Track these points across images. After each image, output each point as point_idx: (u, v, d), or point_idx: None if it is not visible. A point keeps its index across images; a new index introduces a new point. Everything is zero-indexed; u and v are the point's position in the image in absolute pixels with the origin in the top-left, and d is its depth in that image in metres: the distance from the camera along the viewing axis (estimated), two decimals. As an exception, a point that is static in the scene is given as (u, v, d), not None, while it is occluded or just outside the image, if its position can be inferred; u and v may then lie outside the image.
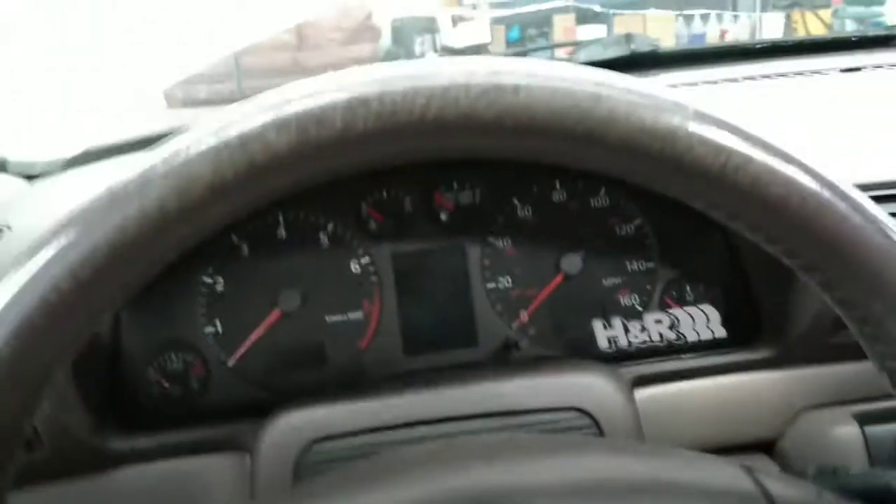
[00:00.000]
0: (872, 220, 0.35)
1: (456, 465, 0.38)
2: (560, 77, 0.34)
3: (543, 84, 0.34)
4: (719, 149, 0.34)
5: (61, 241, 0.32)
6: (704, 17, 5.95)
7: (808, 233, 0.35)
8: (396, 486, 0.36)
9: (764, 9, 6.17)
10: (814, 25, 5.41)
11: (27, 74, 1.17)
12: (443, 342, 0.84)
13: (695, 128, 0.34)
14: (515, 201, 0.85)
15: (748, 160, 0.34)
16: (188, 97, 4.67)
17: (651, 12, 5.55)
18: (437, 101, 0.33)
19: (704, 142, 0.34)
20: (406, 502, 0.35)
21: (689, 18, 5.88)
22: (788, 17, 5.66)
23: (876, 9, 4.88)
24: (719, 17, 6.05)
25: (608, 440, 0.68)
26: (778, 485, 0.36)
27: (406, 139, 0.34)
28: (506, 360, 0.83)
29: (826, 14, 5.51)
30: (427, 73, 0.33)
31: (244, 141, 0.32)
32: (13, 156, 1.02)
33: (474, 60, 0.35)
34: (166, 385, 0.80)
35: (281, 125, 0.32)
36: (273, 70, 5.22)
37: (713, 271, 0.84)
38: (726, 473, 0.37)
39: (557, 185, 0.86)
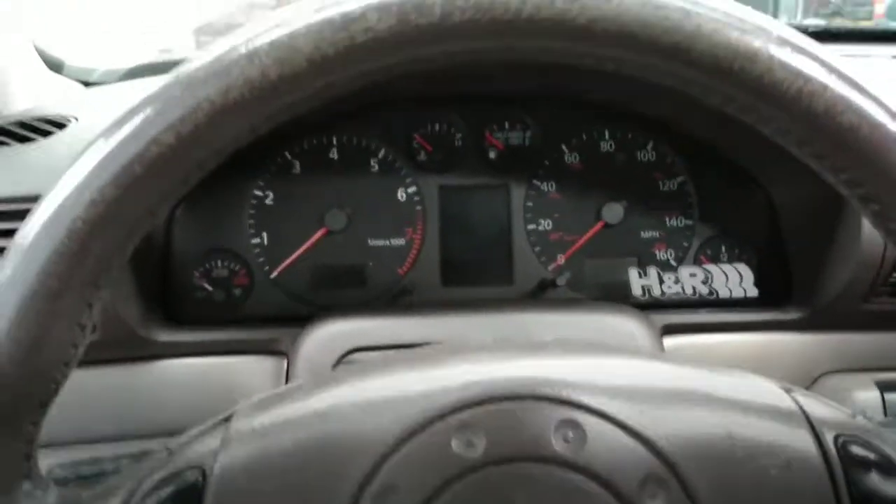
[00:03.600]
0: None
1: (501, 355, 0.39)
2: None
3: None
4: (797, 74, 0.35)
5: (165, 99, 0.34)
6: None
7: (873, 162, 0.36)
8: (439, 367, 0.37)
9: (805, 17, 6.12)
10: (854, 36, 5.38)
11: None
12: (480, 277, 0.86)
13: (776, 51, 0.35)
14: (564, 147, 0.87)
15: (824, 87, 0.35)
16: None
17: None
18: (533, 1, 0.34)
19: (784, 66, 0.35)
20: (448, 381, 0.35)
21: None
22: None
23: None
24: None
25: (656, 351, 0.70)
26: (814, 404, 0.38)
27: (497, 35, 0.35)
28: (541, 299, 0.85)
29: (867, 25, 5.48)
30: None
31: (346, 21, 0.34)
32: (70, 60, 1.05)
33: None
34: (210, 289, 0.82)
35: (382, 8, 0.34)
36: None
37: (751, 232, 0.86)
38: (766, 390, 0.39)
39: (606, 135, 0.87)
